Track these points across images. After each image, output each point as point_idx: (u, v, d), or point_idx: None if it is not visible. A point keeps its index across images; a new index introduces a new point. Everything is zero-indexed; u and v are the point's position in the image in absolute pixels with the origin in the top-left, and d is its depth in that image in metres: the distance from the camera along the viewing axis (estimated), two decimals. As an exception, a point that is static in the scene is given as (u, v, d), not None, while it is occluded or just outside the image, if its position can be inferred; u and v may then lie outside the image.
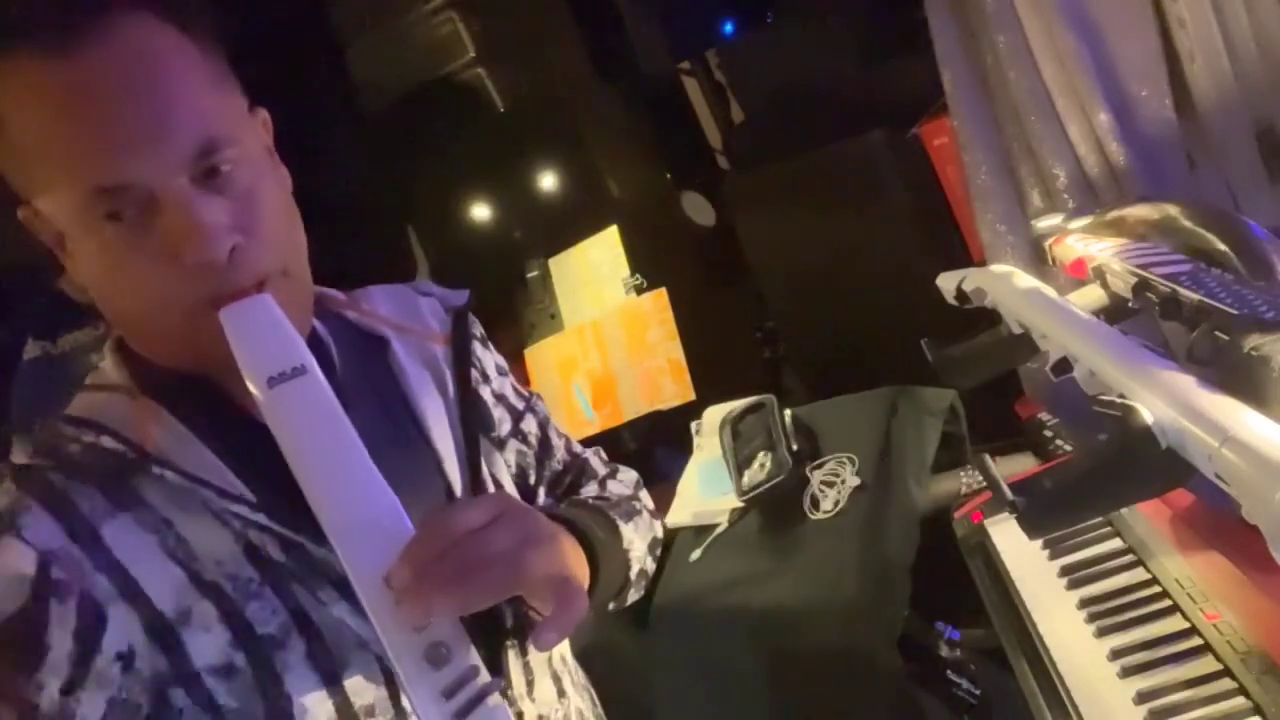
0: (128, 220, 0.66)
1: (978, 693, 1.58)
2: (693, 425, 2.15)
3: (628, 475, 1.05)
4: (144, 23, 0.66)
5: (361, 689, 0.72)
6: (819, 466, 1.91)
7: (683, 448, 2.15)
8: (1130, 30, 1.76)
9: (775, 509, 1.90)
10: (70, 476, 0.69)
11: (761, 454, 1.97)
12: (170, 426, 0.72)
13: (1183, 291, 0.84)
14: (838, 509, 1.81)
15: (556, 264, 2.67)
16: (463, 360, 0.89)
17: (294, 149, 0.88)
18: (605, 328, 2.50)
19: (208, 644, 0.68)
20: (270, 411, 0.66)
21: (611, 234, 2.55)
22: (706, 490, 2.02)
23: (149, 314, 0.70)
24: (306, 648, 0.70)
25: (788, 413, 2.03)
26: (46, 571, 0.63)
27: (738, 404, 2.06)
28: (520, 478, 0.94)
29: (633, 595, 0.93)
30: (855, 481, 1.83)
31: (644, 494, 1.03)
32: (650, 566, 0.94)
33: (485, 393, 0.93)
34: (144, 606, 0.67)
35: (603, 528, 0.85)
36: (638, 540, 0.91)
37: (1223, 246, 0.93)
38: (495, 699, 0.62)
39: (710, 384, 2.36)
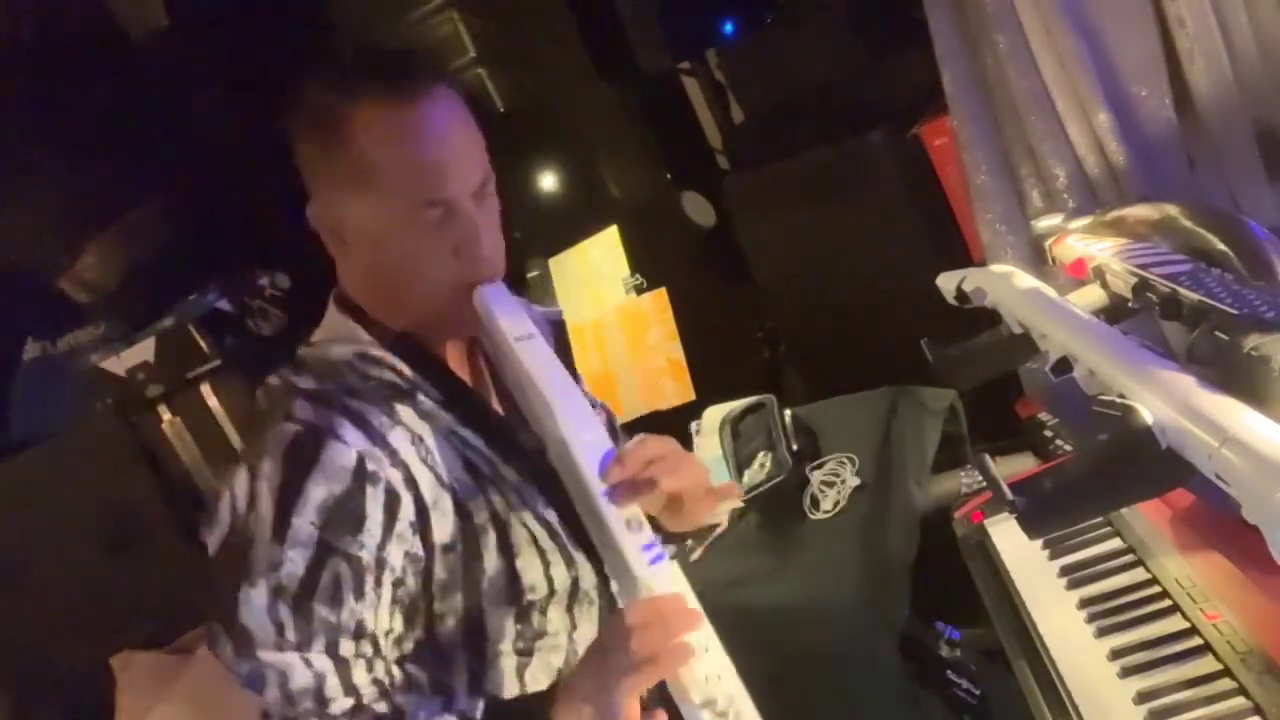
0: (434, 222, 0.92)
1: (978, 693, 1.58)
2: (693, 425, 2.15)
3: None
4: (451, 94, 0.95)
5: (527, 567, 0.96)
6: (819, 466, 1.91)
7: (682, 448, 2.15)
8: (1130, 30, 1.76)
9: (775, 509, 1.90)
10: (357, 398, 0.92)
11: (761, 454, 1.97)
12: (408, 374, 0.96)
13: (1183, 291, 0.84)
14: (838, 509, 1.81)
15: (556, 264, 2.67)
16: (565, 355, 1.14)
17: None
18: (605, 328, 2.50)
19: (443, 526, 0.93)
20: (518, 358, 0.94)
21: (611, 234, 2.55)
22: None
23: (421, 287, 0.95)
24: (496, 537, 0.95)
25: (788, 413, 2.03)
26: (363, 464, 0.88)
27: (738, 404, 2.06)
28: None
29: None
30: (855, 481, 1.83)
31: None
32: None
33: None
34: (416, 494, 0.91)
35: None
36: None
37: (1223, 246, 0.94)
38: (668, 558, 0.89)
39: (710, 384, 2.36)
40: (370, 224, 0.93)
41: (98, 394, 2.63)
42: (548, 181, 2.69)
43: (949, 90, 1.97)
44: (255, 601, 0.86)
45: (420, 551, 0.92)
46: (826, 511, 1.82)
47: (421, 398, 0.96)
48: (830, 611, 1.62)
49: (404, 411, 0.94)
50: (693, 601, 0.88)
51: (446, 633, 0.95)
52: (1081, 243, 1.11)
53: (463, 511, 0.94)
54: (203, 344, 2.56)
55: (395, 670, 0.93)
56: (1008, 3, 1.81)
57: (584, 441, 0.90)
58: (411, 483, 0.91)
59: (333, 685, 0.88)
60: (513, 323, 0.96)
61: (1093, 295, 1.04)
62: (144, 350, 2.62)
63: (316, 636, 0.87)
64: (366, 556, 0.88)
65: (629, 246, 2.54)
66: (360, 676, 0.89)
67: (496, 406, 1.04)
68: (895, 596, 1.62)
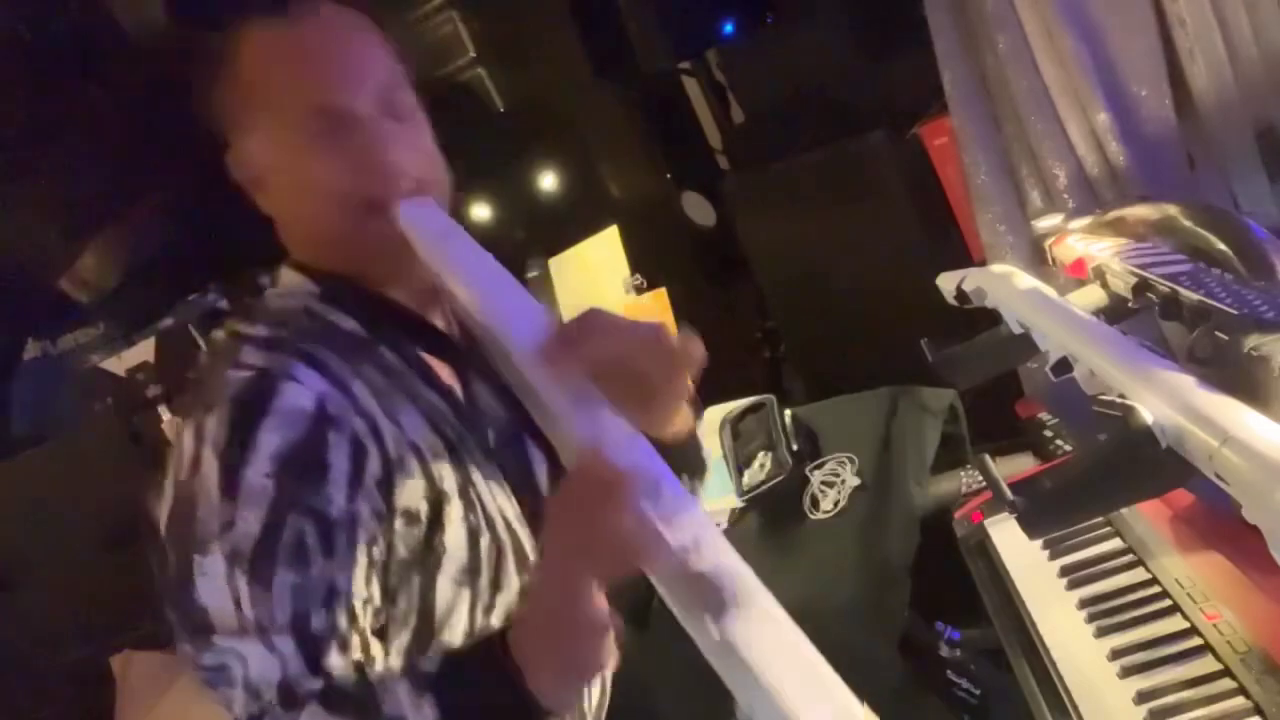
0: (322, 134, 0.85)
1: (978, 693, 1.58)
2: (693, 425, 2.15)
3: None
4: (341, 9, 0.90)
5: (488, 554, 0.87)
6: (819, 466, 1.91)
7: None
8: (1130, 30, 1.76)
9: (775, 509, 1.90)
10: (313, 343, 0.84)
11: (761, 454, 1.97)
12: (363, 330, 0.88)
13: (1183, 291, 0.84)
14: (838, 509, 1.81)
15: (556, 264, 2.67)
16: None
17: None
18: (605, 328, 2.49)
19: (409, 488, 0.82)
20: (442, 260, 0.84)
21: (611, 234, 2.55)
22: (706, 490, 2.02)
23: (319, 211, 0.87)
24: (463, 511, 0.86)
25: (788, 413, 2.03)
26: (324, 407, 0.79)
27: (738, 404, 2.06)
28: None
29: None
30: (855, 481, 1.83)
31: None
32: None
33: None
34: (381, 447, 0.81)
35: None
36: None
37: (1223, 246, 0.94)
38: (641, 438, 0.71)
39: (710, 384, 2.35)
40: (267, 154, 0.88)
41: (98, 394, 2.64)
42: (548, 181, 2.69)
43: (949, 90, 1.97)
44: (210, 571, 0.73)
45: (385, 513, 0.81)
46: (826, 511, 1.82)
47: (383, 351, 0.87)
48: (830, 611, 1.62)
49: (366, 363, 0.85)
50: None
51: (399, 609, 0.83)
52: (1081, 243, 1.11)
53: (429, 475, 0.84)
54: (203, 344, 2.56)
55: (375, 646, 0.79)
56: (1008, 3, 1.81)
57: (517, 324, 0.77)
58: (377, 435, 0.81)
59: (297, 669, 0.73)
60: (434, 225, 0.85)
61: (1093, 295, 1.04)
62: (144, 350, 2.62)
63: (279, 608, 0.73)
64: (334, 510, 0.77)
65: (629, 246, 2.53)
66: (334, 658, 0.74)
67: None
68: (895, 596, 1.62)
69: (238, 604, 0.73)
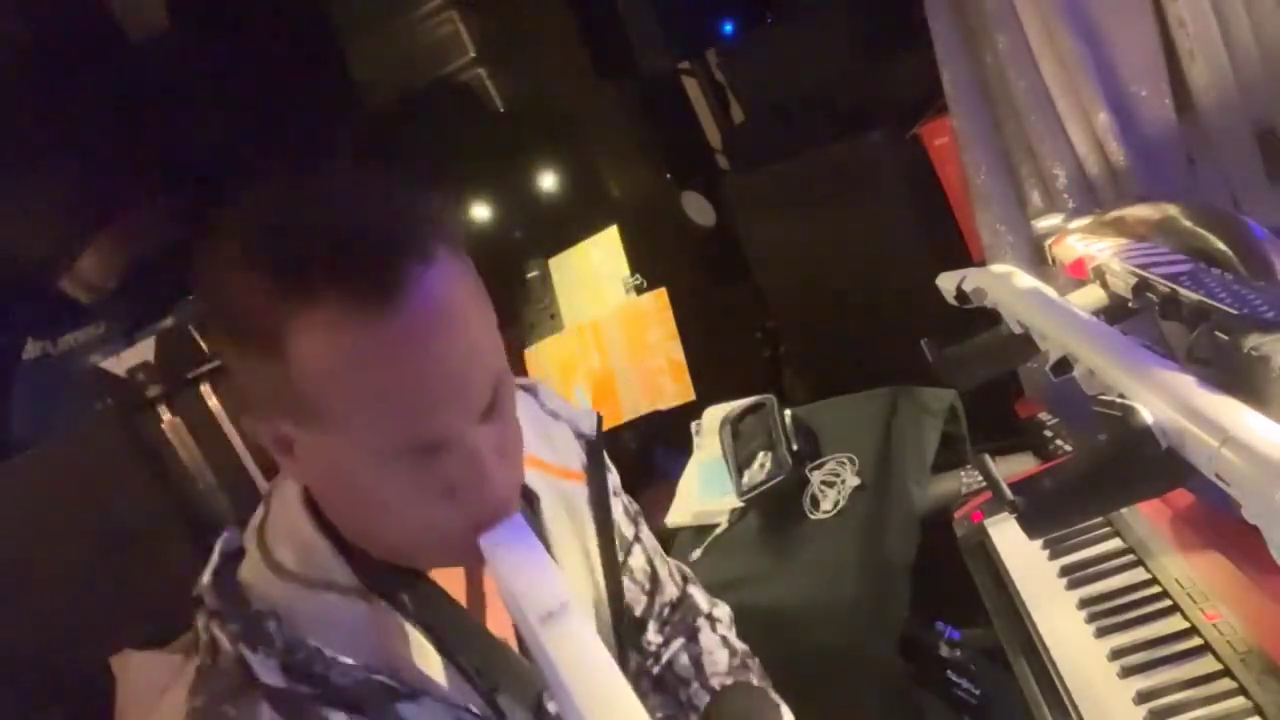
0: (415, 463, 0.68)
1: (978, 693, 1.58)
2: (693, 425, 2.15)
3: (722, 611, 1.13)
4: (447, 264, 0.66)
5: None
6: (819, 466, 1.91)
7: (683, 448, 2.15)
8: (1130, 30, 1.76)
9: (775, 509, 1.90)
10: (333, 705, 0.70)
11: (761, 454, 1.97)
12: (413, 640, 0.76)
13: (1183, 291, 0.84)
14: (838, 509, 1.81)
15: (556, 264, 2.67)
16: (602, 507, 0.93)
17: (293, 149, 0.90)
18: (605, 328, 2.50)
19: None
20: (540, 648, 0.69)
21: (611, 234, 2.55)
22: (706, 490, 2.02)
23: (396, 534, 0.72)
24: None
25: (788, 413, 2.03)
26: None
27: (738, 404, 2.06)
28: (627, 610, 0.98)
29: None
30: (855, 481, 1.83)
31: (733, 630, 1.09)
32: None
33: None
34: None
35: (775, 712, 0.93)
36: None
37: (1223, 246, 0.94)
38: None
39: (710, 384, 2.36)
40: (324, 458, 0.69)
41: (98, 394, 2.64)
42: (548, 181, 2.69)
43: (949, 90, 1.97)
44: None
45: None
46: (826, 511, 1.82)
47: (429, 701, 0.75)
48: (830, 611, 1.62)
49: (405, 710, 0.73)
50: None
51: None
52: (1081, 243, 1.11)
53: None
54: (203, 344, 2.56)
55: None
56: (1008, 3, 1.81)
57: None
58: None
59: None
60: (534, 592, 0.70)
61: (1093, 295, 1.04)
62: (144, 350, 2.62)
63: None
64: None
65: (629, 246, 2.53)
66: None
67: (505, 635, 0.82)
68: (895, 596, 1.62)
69: None
